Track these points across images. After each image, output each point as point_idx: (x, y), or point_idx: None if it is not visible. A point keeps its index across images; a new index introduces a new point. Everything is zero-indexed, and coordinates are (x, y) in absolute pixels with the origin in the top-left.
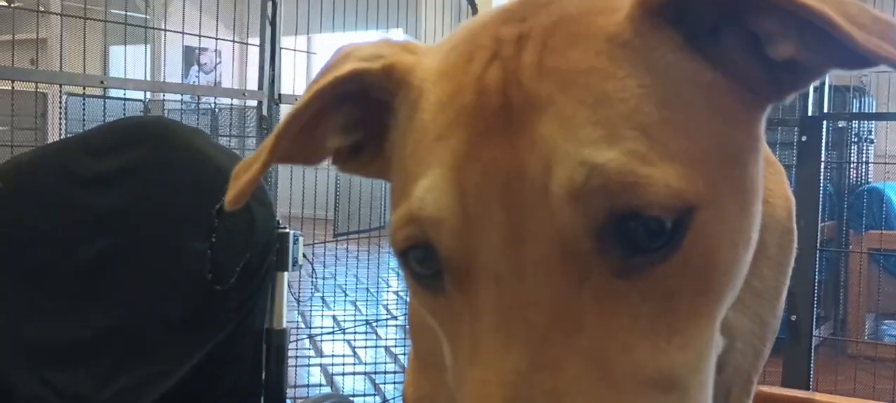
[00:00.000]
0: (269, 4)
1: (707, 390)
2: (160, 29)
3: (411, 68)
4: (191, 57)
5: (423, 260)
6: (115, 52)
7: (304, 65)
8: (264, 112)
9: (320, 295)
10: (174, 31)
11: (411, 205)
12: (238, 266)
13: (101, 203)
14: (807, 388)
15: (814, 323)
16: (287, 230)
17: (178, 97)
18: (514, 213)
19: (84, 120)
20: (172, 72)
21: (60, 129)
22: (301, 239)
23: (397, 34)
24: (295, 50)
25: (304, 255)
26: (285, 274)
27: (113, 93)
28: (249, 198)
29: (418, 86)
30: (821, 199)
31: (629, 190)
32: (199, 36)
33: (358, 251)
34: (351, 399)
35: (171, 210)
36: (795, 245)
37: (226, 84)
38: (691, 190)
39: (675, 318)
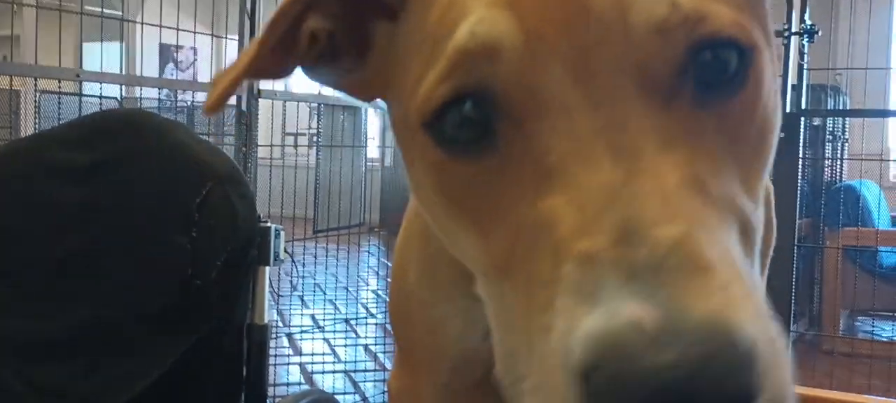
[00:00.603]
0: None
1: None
2: (135, 21)
3: None
4: (167, 54)
5: (462, 124)
6: (90, 49)
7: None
8: (244, 107)
9: (299, 293)
10: (150, 25)
11: (458, 42)
12: (219, 260)
13: (78, 196)
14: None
15: (791, 320)
16: (269, 224)
17: (155, 94)
18: (580, 46)
19: (59, 117)
20: (148, 70)
21: (35, 127)
22: (282, 234)
23: None
24: None
25: (286, 250)
26: (267, 268)
27: (88, 90)
28: (231, 193)
29: None
30: (798, 195)
31: (705, 22)
32: (177, 30)
33: (337, 249)
34: (333, 395)
35: (150, 203)
36: (774, 234)
37: (204, 79)
38: (751, 29)
39: (745, 166)
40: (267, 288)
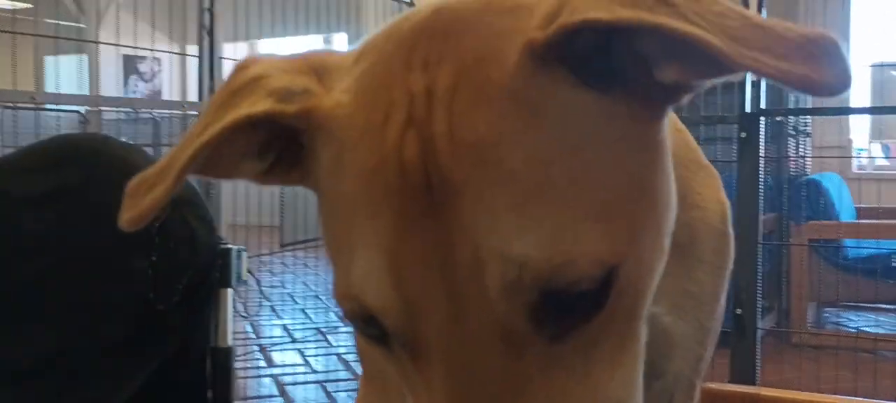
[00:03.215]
0: (206, 14)
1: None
2: (96, 41)
3: (329, 115)
4: (130, 65)
5: (370, 325)
6: (50, 62)
7: None
8: None
9: (270, 304)
10: (108, 44)
11: (352, 288)
12: (180, 284)
13: (35, 224)
14: (753, 380)
15: (759, 316)
16: (230, 246)
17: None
18: (451, 296)
19: (17, 133)
20: (111, 82)
21: None
22: (245, 254)
23: (340, 38)
24: (235, 59)
25: (250, 270)
26: (229, 290)
27: (48, 104)
28: (189, 215)
29: (339, 139)
30: (761, 193)
31: (558, 273)
32: (135, 48)
33: (306, 258)
34: None
35: (109, 229)
36: (732, 249)
37: (166, 91)
38: (614, 251)
39: (610, 356)
40: (231, 310)
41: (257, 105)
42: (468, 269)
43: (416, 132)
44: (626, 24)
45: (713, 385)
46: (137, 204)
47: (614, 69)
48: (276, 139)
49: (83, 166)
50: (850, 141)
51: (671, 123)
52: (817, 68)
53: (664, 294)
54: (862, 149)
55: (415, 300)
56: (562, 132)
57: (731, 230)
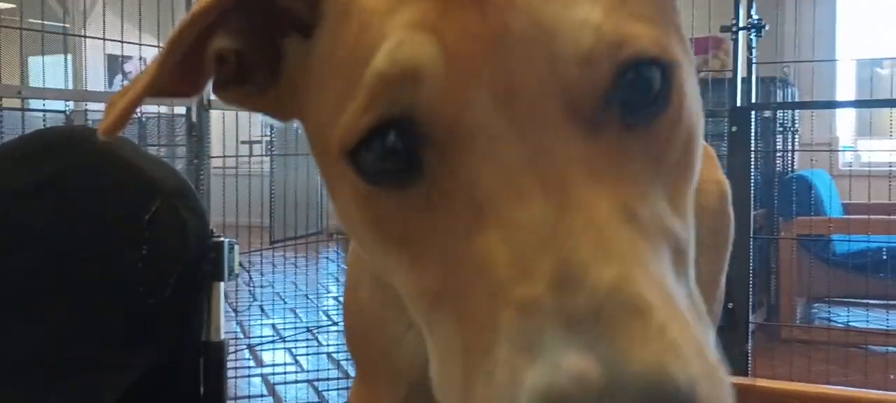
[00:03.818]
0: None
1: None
2: (80, 35)
3: None
4: (115, 65)
5: (386, 154)
6: (35, 62)
7: None
8: (194, 119)
9: (259, 303)
10: (95, 38)
11: (377, 68)
12: (171, 277)
13: (25, 216)
14: (745, 374)
15: (750, 310)
16: (222, 238)
17: (102, 106)
18: (504, 71)
19: (2, 133)
20: (96, 82)
21: None
22: (237, 247)
23: None
24: None
25: (241, 264)
26: (221, 284)
27: (32, 103)
28: (180, 207)
29: None
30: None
31: (627, 45)
32: (122, 42)
33: (296, 257)
34: None
35: (99, 222)
36: (732, 229)
37: None
38: (668, 46)
39: (672, 182)
40: (223, 303)
41: None
42: (526, 40)
43: None
44: None
45: None
46: (113, 110)
47: None
48: (251, 38)
49: (72, 158)
50: (836, 138)
51: None
52: None
53: None
54: (847, 147)
55: (459, 71)
56: None
57: (730, 209)
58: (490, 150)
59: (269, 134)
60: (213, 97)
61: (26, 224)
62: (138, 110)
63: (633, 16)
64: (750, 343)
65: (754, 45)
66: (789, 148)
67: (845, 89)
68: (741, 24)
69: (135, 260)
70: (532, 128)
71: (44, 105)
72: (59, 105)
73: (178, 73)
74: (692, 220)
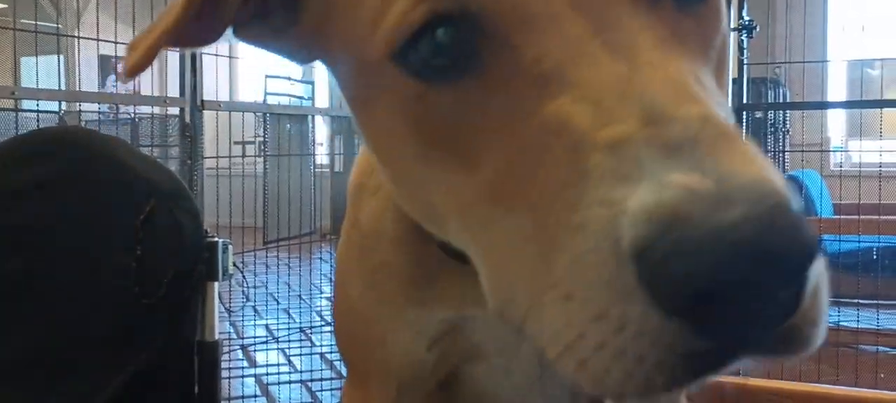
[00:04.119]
0: None
1: None
2: (73, 35)
3: None
4: (107, 66)
5: (437, 50)
6: (28, 63)
7: (226, 69)
8: (187, 119)
9: (252, 304)
10: (88, 39)
11: None
12: (166, 278)
13: (17, 219)
14: (737, 372)
15: None
16: (216, 239)
17: (96, 107)
18: None
19: None
20: (88, 82)
21: None
22: (231, 247)
23: None
24: (216, 54)
25: (235, 264)
26: (216, 284)
27: (26, 104)
28: (174, 208)
29: None
30: None
31: None
32: (115, 43)
33: (289, 258)
34: None
35: (93, 223)
36: None
37: (145, 91)
38: None
39: (716, 72)
40: (216, 304)
41: None
42: None
43: None
44: None
45: None
46: (135, 53)
47: None
48: None
49: (67, 159)
50: (827, 138)
51: None
52: None
53: None
54: (838, 147)
55: None
56: None
57: None
58: (554, 29)
59: (262, 134)
60: (205, 98)
61: (22, 225)
62: (131, 110)
63: None
64: None
65: (745, 46)
66: (780, 148)
67: (836, 90)
68: (732, 25)
69: (129, 260)
70: (593, 4)
71: (37, 105)
72: (52, 105)
73: (198, 16)
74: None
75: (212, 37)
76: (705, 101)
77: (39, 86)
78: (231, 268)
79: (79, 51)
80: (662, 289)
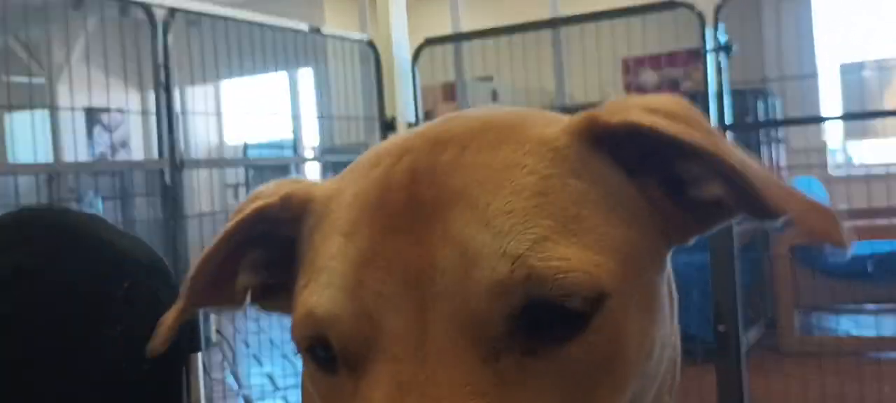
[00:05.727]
0: (162, 70)
1: None
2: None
3: (310, 192)
4: (93, 117)
5: (319, 347)
6: (14, 119)
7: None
8: (167, 180)
9: (251, 351)
10: (65, 109)
11: (307, 304)
12: (148, 353)
13: (4, 304)
14: (740, 395)
15: (742, 328)
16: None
17: (84, 158)
18: (418, 302)
19: None
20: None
21: None
22: (212, 316)
23: (305, 73)
24: (206, 113)
25: (219, 332)
26: (199, 354)
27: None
28: (154, 283)
29: (322, 202)
30: None
31: (549, 279)
32: (91, 110)
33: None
34: None
35: (77, 301)
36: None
37: (134, 138)
38: (604, 276)
39: (590, 398)
40: (201, 373)
41: (249, 208)
42: (447, 269)
43: (411, 159)
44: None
45: None
46: (159, 332)
47: (646, 183)
48: (276, 261)
49: (45, 243)
50: (824, 143)
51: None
52: (838, 233)
53: None
54: (836, 150)
55: (374, 306)
56: (583, 185)
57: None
58: (390, 373)
59: (246, 178)
60: (185, 158)
61: (6, 312)
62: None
63: (577, 243)
64: (746, 362)
65: (725, 66)
66: (776, 159)
67: (830, 96)
68: (709, 47)
69: (113, 335)
70: (435, 354)
71: (36, 155)
72: (43, 155)
73: (214, 290)
74: None
75: (233, 304)
76: None
77: (25, 141)
78: (214, 337)
79: (62, 104)
80: None
